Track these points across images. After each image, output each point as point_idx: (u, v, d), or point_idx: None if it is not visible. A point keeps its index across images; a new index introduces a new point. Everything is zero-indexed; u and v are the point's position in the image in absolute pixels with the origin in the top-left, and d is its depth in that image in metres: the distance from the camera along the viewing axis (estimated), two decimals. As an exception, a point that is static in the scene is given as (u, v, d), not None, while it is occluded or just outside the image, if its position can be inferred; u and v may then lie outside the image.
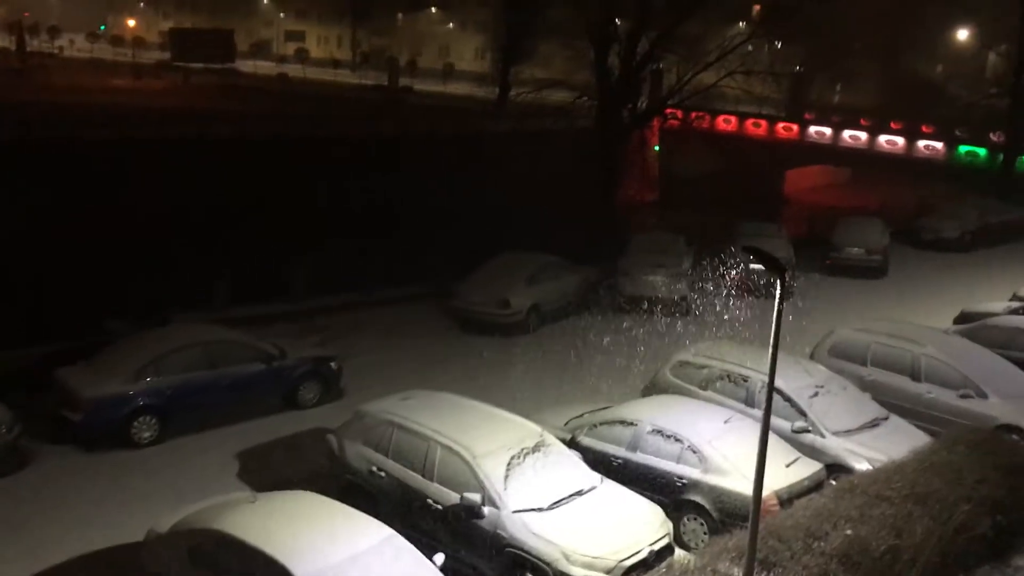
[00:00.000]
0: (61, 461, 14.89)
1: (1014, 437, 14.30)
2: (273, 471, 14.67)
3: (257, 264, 25.85)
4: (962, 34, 60.03)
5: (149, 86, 67.52)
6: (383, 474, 12.48)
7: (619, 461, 13.23)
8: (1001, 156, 44.48)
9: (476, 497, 11.34)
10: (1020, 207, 36.11)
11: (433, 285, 25.31)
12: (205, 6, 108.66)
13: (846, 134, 53.51)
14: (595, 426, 13.89)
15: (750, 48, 36.64)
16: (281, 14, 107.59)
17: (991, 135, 46.89)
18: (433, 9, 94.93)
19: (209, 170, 35.25)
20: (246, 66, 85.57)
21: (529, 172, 37.02)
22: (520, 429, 12.63)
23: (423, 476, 12.06)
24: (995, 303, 22.26)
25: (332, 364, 17.91)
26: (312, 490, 11.19)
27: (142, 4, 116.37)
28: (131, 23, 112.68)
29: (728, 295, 21.94)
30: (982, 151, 48.00)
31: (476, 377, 18.45)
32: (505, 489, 11.43)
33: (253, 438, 15.94)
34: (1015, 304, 21.51)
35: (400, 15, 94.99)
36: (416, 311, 24.28)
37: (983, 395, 15.55)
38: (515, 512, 11.27)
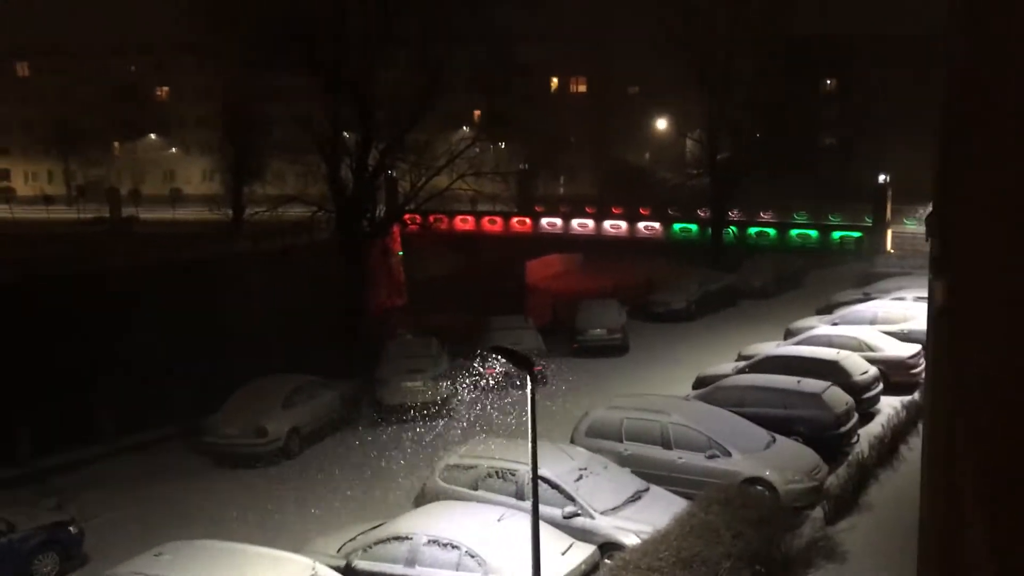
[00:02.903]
0: None
1: (759, 488, 15.41)
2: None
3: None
4: (661, 124, 66.61)
5: None
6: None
7: (398, 580, 12.85)
8: (709, 230, 49.26)
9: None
10: (730, 274, 39.89)
11: (179, 424, 23.76)
12: None
13: (575, 223, 57.41)
14: (370, 547, 13.44)
15: (477, 150, 38.24)
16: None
17: (699, 212, 51.92)
18: (152, 136, 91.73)
19: None
20: (-60, 210, 78.04)
21: (273, 292, 36.11)
22: (290, 565, 12.00)
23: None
24: (724, 365, 24.13)
25: (71, 528, 16.30)
26: None
27: None
28: None
29: (487, 391, 22.28)
30: (694, 227, 53.09)
31: (238, 516, 17.39)
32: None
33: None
34: (741, 364, 23.43)
35: (116, 143, 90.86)
36: (164, 455, 22.68)
37: (727, 453, 16.65)
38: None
